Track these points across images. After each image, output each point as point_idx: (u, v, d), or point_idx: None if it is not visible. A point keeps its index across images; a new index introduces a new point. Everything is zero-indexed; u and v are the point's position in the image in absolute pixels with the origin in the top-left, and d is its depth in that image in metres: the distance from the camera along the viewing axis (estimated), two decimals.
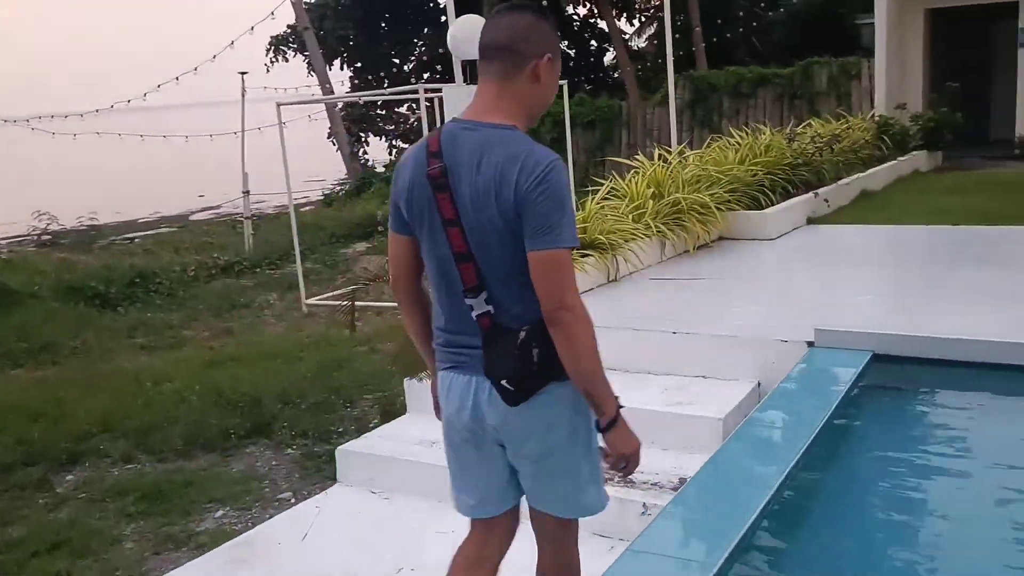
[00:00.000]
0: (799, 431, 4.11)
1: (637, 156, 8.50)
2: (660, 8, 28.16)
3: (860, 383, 4.75)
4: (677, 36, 26.32)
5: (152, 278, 11.48)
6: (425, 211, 2.36)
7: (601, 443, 2.45)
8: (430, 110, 9.22)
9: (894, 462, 4.29)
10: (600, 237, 6.81)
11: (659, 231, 7.33)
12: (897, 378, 5.00)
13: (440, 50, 26.47)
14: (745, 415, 4.99)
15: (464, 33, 6.05)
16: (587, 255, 6.67)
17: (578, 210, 7.17)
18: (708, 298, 6.29)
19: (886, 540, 3.59)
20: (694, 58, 24.47)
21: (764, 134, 9.75)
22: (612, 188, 7.79)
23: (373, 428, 5.72)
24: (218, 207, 25.61)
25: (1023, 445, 4.41)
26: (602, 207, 7.19)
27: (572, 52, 28.75)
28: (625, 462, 2.43)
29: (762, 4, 27.19)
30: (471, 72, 6.07)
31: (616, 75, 27.39)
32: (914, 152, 12.16)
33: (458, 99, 6.05)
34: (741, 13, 26.09)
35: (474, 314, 2.34)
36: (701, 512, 3.54)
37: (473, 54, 5.98)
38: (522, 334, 2.30)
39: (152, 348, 8.60)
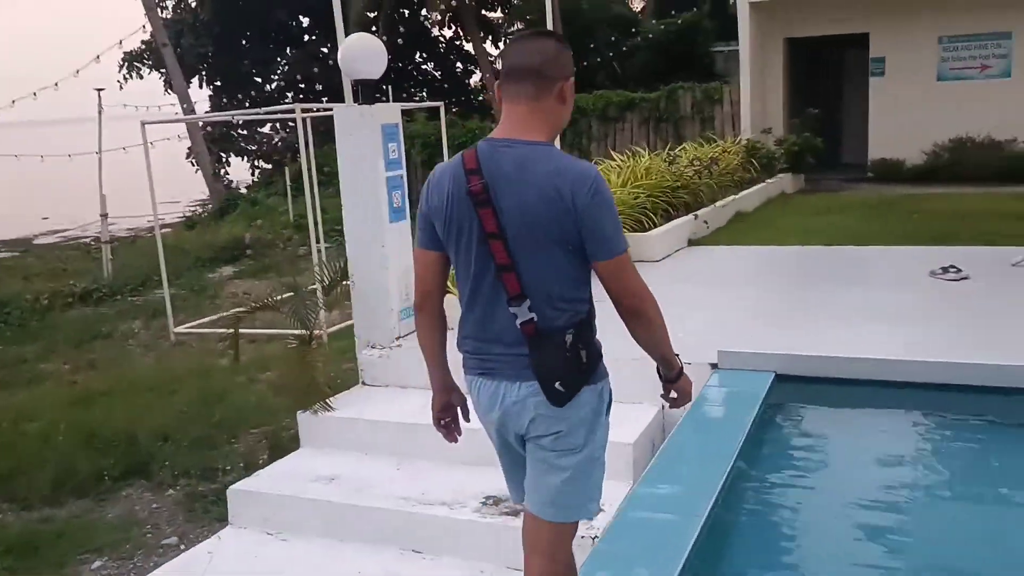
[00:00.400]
0: (719, 455, 4.08)
1: None
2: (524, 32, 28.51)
3: (768, 404, 4.79)
4: None
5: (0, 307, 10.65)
6: (464, 226, 2.47)
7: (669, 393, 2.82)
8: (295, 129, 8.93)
9: (813, 481, 4.34)
10: None
11: None
12: (801, 398, 5.07)
13: (314, 69, 25.97)
14: (652, 439, 4.96)
15: (355, 52, 5.81)
16: None
17: None
18: (604, 322, 6.24)
19: (820, 558, 3.60)
20: None
21: (643, 157, 9.87)
22: None
23: (263, 465, 5.40)
24: (65, 231, 24.17)
25: (926, 460, 4.56)
26: None
27: (438, 74, 28.73)
28: (687, 398, 2.83)
29: (626, 32, 27.88)
30: (362, 92, 5.84)
31: (482, 97, 27.52)
32: (780, 175, 12.63)
33: (349, 120, 5.82)
34: (611, 38, 26.64)
35: (518, 322, 2.46)
36: (637, 546, 3.43)
37: (365, 73, 5.81)
38: (569, 336, 2.45)
39: (6, 384, 7.93)
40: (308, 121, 10.07)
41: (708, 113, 17.58)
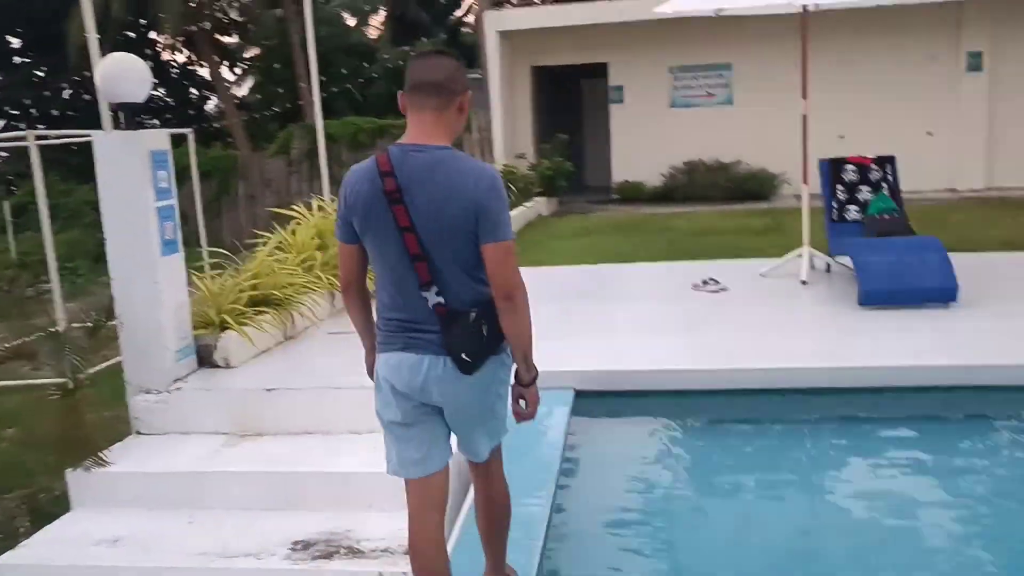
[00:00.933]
0: (542, 474, 4.09)
1: (295, 206, 8.14)
2: (260, 58, 27.79)
3: (574, 419, 4.87)
4: (280, 90, 26.17)
5: None
6: (381, 221, 2.74)
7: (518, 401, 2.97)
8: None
9: (635, 490, 4.47)
10: (275, 293, 6.39)
11: (330, 282, 7.05)
12: (603, 411, 5.20)
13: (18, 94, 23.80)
14: (460, 466, 4.90)
15: (115, 73, 5.34)
16: (263, 312, 6.22)
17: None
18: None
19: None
20: (301, 110, 24.40)
21: None
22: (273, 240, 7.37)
23: (27, 534, 4.78)
24: None
25: (721, 462, 4.82)
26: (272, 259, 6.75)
27: (171, 101, 27.28)
28: (534, 410, 2.97)
29: (365, 60, 27.85)
30: (125, 117, 5.38)
31: (218, 124, 26.44)
32: (536, 198, 13.04)
33: (112, 147, 5.34)
34: (350, 67, 26.44)
35: (430, 304, 2.76)
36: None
37: (128, 95, 5.35)
38: (472, 315, 2.75)
39: None
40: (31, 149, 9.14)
41: (457, 140, 17.82)
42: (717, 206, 13.28)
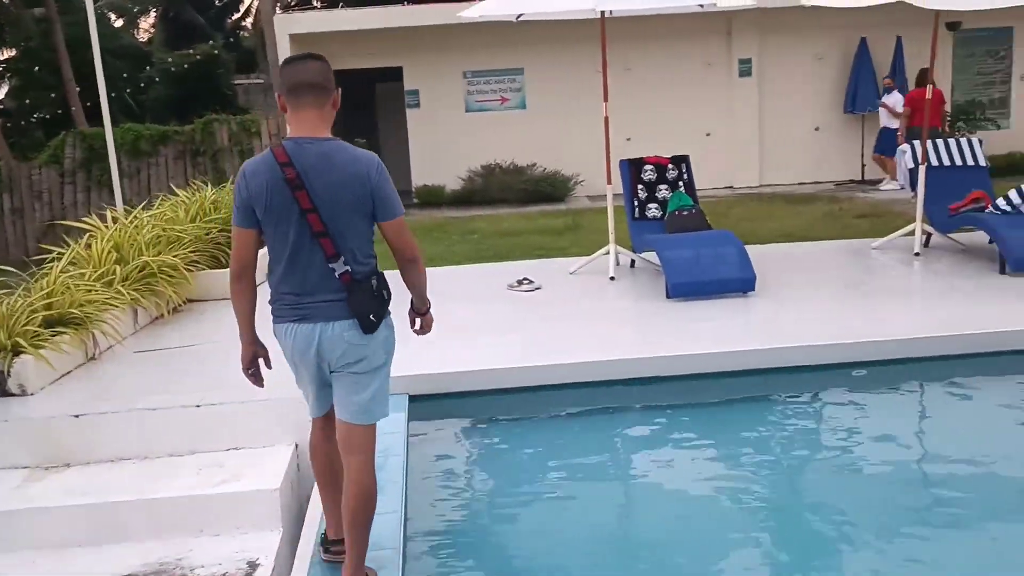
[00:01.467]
0: (390, 485, 4.02)
1: (88, 218, 7.58)
2: (17, 60, 25.71)
3: (411, 425, 4.83)
4: (53, 95, 24.32)
5: None
6: (284, 206, 3.12)
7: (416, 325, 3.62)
8: None
9: (479, 492, 4.49)
10: (73, 311, 5.91)
11: (132, 298, 6.62)
12: (437, 414, 5.19)
13: None
14: (291, 482, 4.73)
15: None
16: (60, 333, 5.75)
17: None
18: (213, 364, 5.83)
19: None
20: (72, 117, 22.80)
21: (207, 190, 9.39)
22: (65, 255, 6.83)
23: None
24: None
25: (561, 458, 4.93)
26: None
27: None
28: (428, 328, 3.66)
29: (139, 64, 26.39)
30: None
31: None
32: None
33: None
34: (122, 71, 24.93)
35: (336, 274, 3.15)
36: None
37: None
38: (374, 281, 3.22)
39: None
40: None
41: (247, 145, 17.22)
42: (516, 208, 13.56)
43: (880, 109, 13.67)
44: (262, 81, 26.36)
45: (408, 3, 16.25)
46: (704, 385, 5.49)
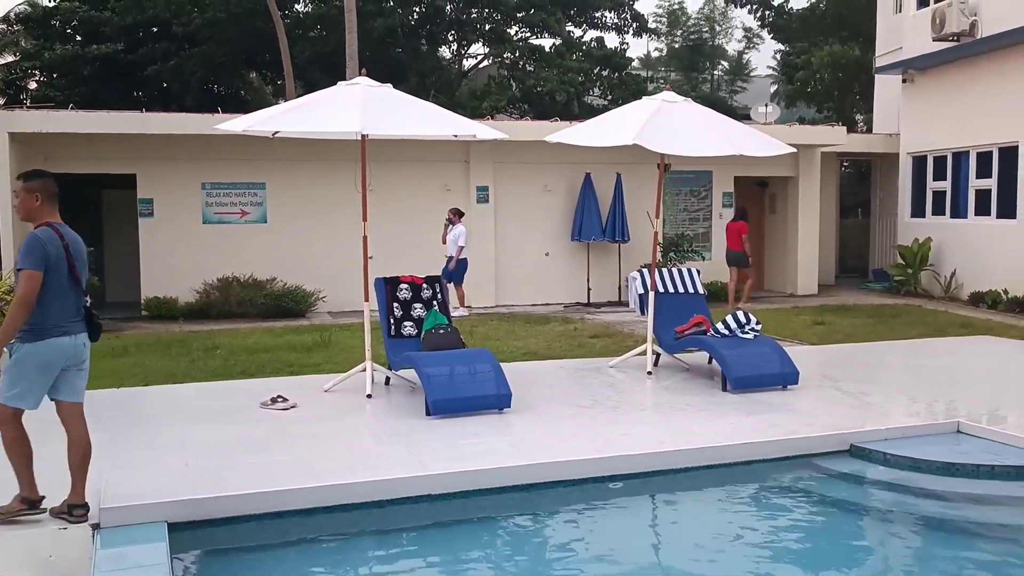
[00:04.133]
0: None
1: None
2: None
3: (177, 557, 4.48)
4: None
5: None
6: (60, 263, 4.79)
7: None
8: None
9: None
10: None
11: None
12: (203, 543, 4.85)
13: None
14: None
15: None
16: None
17: None
18: None
19: None
20: None
21: None
22: None
23: None
24: None
25: None
26: None
27: None
28: None
29: None
30: None
31: None
32: None
33: None
34: None
35: (85, 306, 4.97)
36: None
37: None
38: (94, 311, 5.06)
39: None
40: None
41: None
42: (255, 323, 13.16)
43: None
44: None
45: (144, 111, 15.66)
46: (472, 503, 5.54)
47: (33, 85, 29.71)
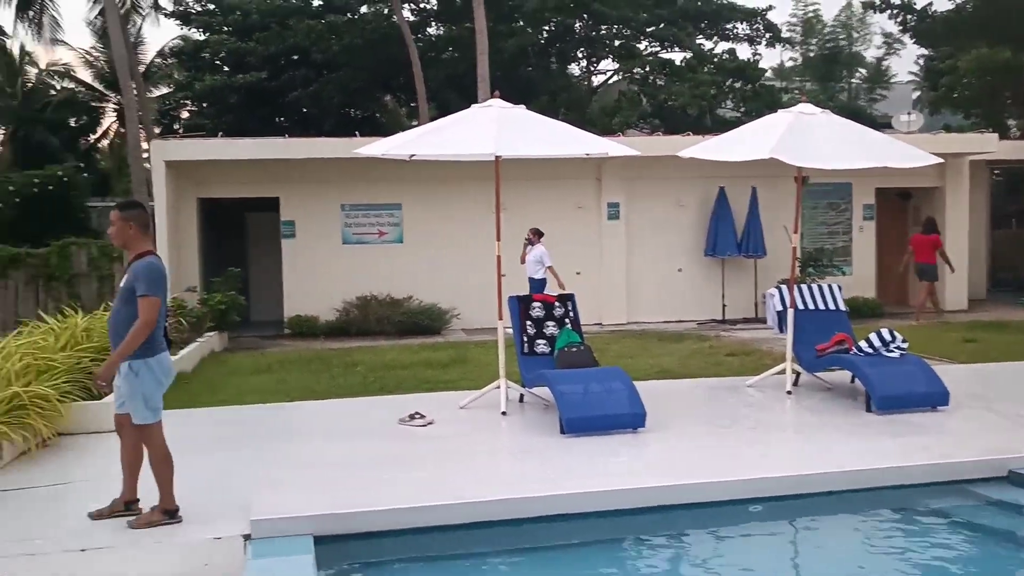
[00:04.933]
0: None
1: None
2: None
3: (323, 570, 4.62)
4: None
5: None
6: (166, 286, 5.25)
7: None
8: None
9: None
10: None
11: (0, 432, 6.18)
12: (347, 557, 4.98)
13: None
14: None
15: None
16: None
17: None
18: (99, 503, 5.44)
19: None
20: None
21: (75, 317, 8.98)
22: None
23: None
24: None
25: None
26: None
27: None
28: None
29: None
30: None
31: None
32: (208, 333, 12.43)
33: None
34: None
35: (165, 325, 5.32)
36: None
37: None
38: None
39: None
40: None
41: (107, 271, 16.61)
42: (393, 340, 13.48)
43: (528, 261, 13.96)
44: (99, 205, 25.58)
45: (287, 135, 16.35)
46: (609, 523, 5.51)
47: (185, 114, 31.47)
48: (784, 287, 9.28)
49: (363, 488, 5.68)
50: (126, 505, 5.26)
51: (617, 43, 30.48)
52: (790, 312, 8.89)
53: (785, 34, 35.14)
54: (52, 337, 8.09)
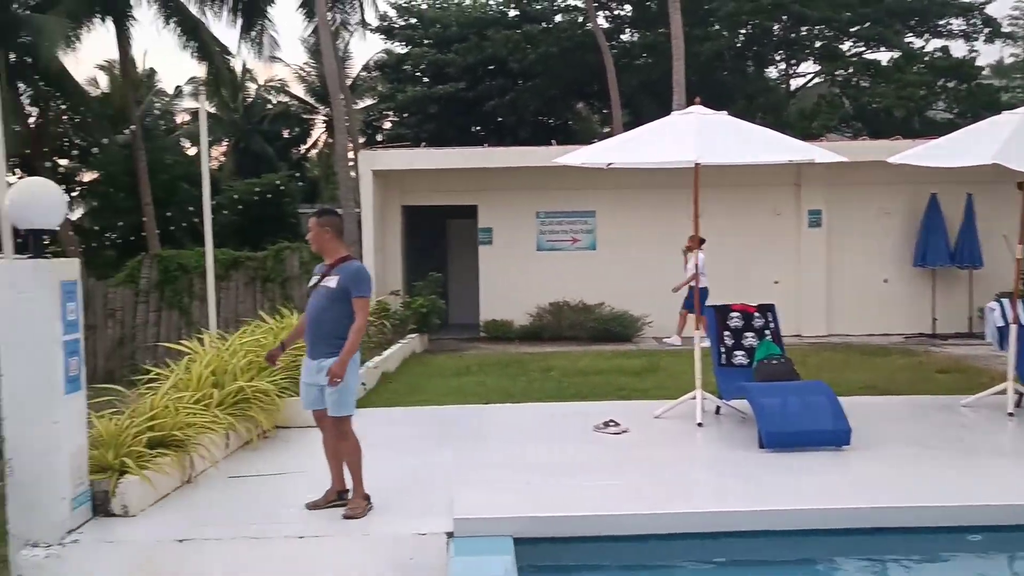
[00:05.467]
0: None
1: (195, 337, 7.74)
2: (99, 182, 26.83)
3: (524, 571, 4.72)
4: (124, 219, 25.20)
5: None
6: None
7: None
8: None
9: None
10: (176, 433, 5.98)
11: (227, 423, 6.68)
12: (544, 560, 5.07)
13: None
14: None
15: (28, 198, 5.01)
16: (162, 454, 5.79)
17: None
18: (306, 494, 5.78)
19: None
20: (144, 239, 23.59)
21: (290, 318, 9.58)
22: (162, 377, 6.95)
23: None
24: None
25: None
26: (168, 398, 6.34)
27: None
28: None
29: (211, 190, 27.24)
30: (34, 244, 5.05)
31: (56, 249, 25.01)
32: (410, 335, 12.95)
33: (18, 275, 4.95)
34: (193, 195, 25.78)
35: None
36: None
37: (40, 222, 5.03)
38: None
39: None
40: None
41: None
42: (585, 346, 13.56)
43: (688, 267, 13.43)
44: (303, 211, 27.04)
45: (488, 145, 16.79)
46: (811, 542, 5.32)
47: (387, 125, 32.91)
48: (1005, 300, 8.66)
49: (560, 493, 5.75)
50: (339, 495, 5.57)
51: (818, 44, 29.37)
52: (1012, 328, 8.28)
53: (1006, 28, 32.68)
54: (271, 336, 8.66)
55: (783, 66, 31.94)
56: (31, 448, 4.99)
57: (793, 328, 14.49)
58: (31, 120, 23.92)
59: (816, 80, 31.32)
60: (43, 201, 5.10)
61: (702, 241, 13.76)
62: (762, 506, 5.45)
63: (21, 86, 22.62)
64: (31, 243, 5.08)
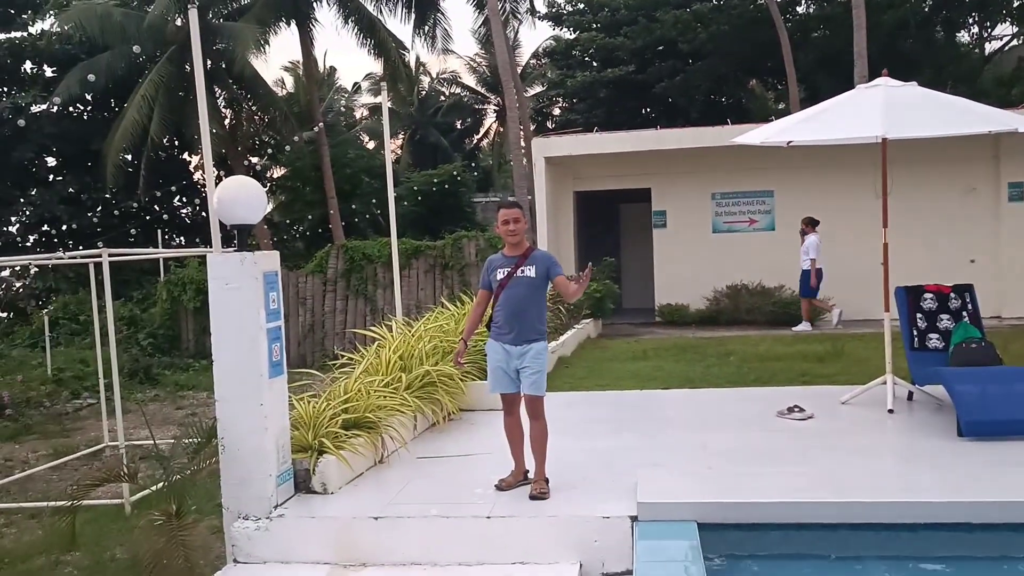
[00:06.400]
0: None
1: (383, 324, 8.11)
2: (286, 178, 28.38)
3: (708, 557, 4.68)
4: (310, 212, 26.60)
5: None
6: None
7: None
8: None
9: None
10: (368, 416, 6.27)
11: (415, 406, 6.95)
12: (728, 546, 5.01)
13: (51, 211, 24.10)
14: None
15: (233, 195, 5.38)
16: (356, 435, 6.09)
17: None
18: (493, 475, 5.94)
19: None
20: (330, 230, 24.79)
21: (471, 305, 9.82)
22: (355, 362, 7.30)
23: None
24: None
25: None
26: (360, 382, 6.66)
27: (202, 216, 27.63)
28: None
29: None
30: (240, 238, 5.41)
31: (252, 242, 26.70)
32: (584, 320, 13.04)
33: (228, 267, 5.34)
34: (374, 187, 26.88)
35: None
36: None
37: (244, 218, 5.38)
38: None
39: None
40: (104, 266, 9.20)
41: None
42: (763, 330, 13.25)
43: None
44: (499, 199, 27.67)
45: (660, 127, 16.64)
46: (1018, 539, 5.01)
47: (557, 112, 33.13)
48: None
49: (744, 478, 5.66)
50: (524, 475, 5.71)
51: (1016, 3, 27.32)
52: None
53: None
54: (453, 322, 8.93)
55: (975, 30, 29.90)
56: (240, 428, 5.36)
57: (993, 310, 13.65)
58: (226, 121, 25.54)
59: (1014, 43, 29.14)
60: (247, 198, 5.44)
61: (816, 223, 13.18)
62: (962, 498, 5.17)
63: (217, 90, 24.18)
64: (237, 237, 5.44)
